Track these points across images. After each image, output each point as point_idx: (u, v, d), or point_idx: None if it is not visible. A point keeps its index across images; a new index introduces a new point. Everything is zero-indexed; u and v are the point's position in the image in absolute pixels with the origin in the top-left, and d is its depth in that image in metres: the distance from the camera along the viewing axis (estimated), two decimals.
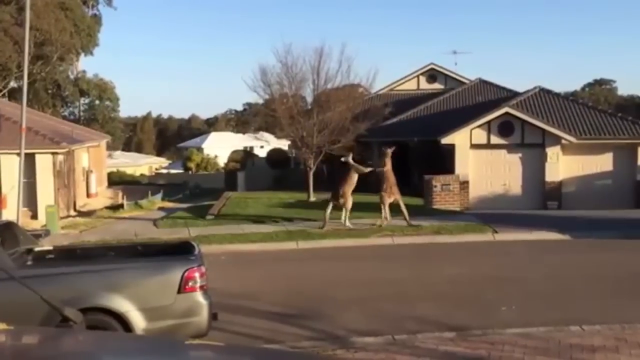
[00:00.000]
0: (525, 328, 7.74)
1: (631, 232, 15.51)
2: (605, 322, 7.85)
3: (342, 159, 17.22)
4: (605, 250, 13.60)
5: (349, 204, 16.72)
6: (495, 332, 7.65)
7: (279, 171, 35.68)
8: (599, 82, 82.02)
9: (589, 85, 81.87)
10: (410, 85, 34.91)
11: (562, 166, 22.98)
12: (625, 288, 10.14)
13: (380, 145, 27.91)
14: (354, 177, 16.80)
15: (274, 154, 39.37)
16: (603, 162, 23.15)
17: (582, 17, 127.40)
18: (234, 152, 49.24)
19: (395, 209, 16.93)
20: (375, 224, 16.75)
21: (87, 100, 52.88)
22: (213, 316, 6.98)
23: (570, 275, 11.29)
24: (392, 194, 16.87)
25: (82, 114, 52.55)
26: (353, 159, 17.27)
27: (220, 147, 64.53)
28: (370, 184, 18.03)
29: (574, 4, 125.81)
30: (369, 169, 17.29)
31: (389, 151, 17.25)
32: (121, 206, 24.51)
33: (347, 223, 16.76)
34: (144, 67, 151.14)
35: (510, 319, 8.42)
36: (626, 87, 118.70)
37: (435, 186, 21.66)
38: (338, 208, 16.88)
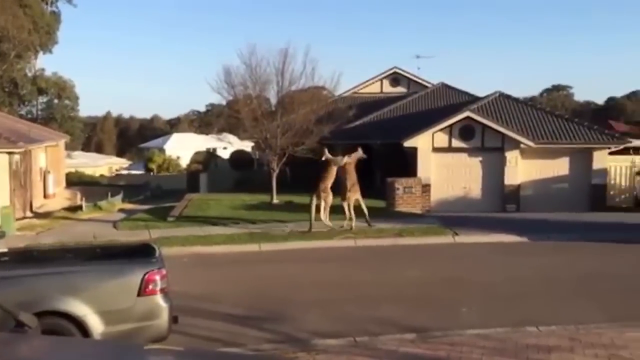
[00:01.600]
0: (484, 329, 7.88)
1: (586, 234, 15.91)
2: (560, 323, 8.05)
3: (323, 158, 17.19)
4: (562, 253, 13.92)
5: (330, 199, 16.71)
6: (455, 334, 7.76)
7: (242, 173, 35.50)
8: (557, 88, 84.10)
9: (547, 90, 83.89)
10: (374, 89, 35.17)
11: (520, 170, 23.44)
12: (580, 289, 10.41)
13: (344, 148, 28.16)
14: (333, 171, 16.83)
15: (237, 155, 39.15)
16: (560, 166, 23.68)
17: (541, 24, 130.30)
18: (197, 153, 48.79)
19: (355, 209, 16.98)
20: (343, 226, 16.77)
21: (45, 99, 51.76)
22: (174, 319, 6.91)
23: (528, 276, 11.53)
24: (355, 193, 16.92)
25: (40, 112, 51.40)
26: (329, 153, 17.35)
27: (182, 148, 63.83)
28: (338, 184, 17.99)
29: (534, 11, 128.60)
30: (345, 159, 17.17)
31: (360, 152, 17.42)
32: (80, 207, 24.02)
33: (327, 221, 16.69)
34: (105, 66, 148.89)
35: (469, 320, 8.55)
36: (582, 94, 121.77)
37: (398, 189, 21.86)
38: (317, 207, 16.75)
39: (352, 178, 16.93)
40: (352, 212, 16.81)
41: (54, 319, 6.34)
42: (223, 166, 39.54)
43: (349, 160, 17.04)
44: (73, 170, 44.37)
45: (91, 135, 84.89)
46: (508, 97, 26.91)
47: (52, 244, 14.99)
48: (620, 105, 76.29)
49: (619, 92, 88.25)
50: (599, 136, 23.76)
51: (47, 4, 47.86)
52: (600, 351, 6.81)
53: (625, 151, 24.71)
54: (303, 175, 25.00)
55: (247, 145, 41.97)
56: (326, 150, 17.43)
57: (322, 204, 16.69)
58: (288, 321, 8.70)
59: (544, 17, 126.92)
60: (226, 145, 40.52)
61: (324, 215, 16.73)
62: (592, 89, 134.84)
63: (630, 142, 25.26)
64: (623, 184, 24.48)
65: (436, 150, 23.67)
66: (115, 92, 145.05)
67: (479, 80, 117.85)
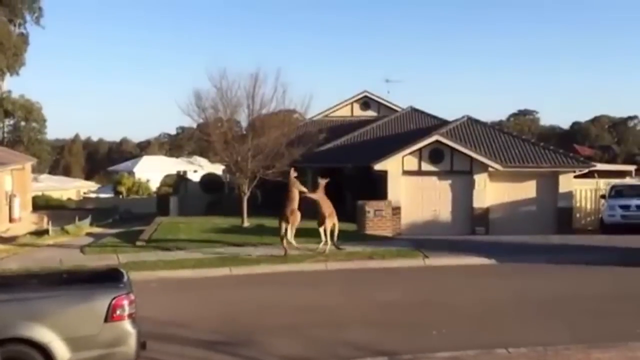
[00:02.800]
0: (455, 352, 7.91)
1: (553, 257, 16.15)
2: (529, 345, 8.12)
3: (291, 173, 17.36)
4: (530, 275, 14.10)
5: (297, 219, 16.83)
6: (425, 356, 7.79)
7: (212, 196, 35.29)
8: (523, 113, 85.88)
9: (514, 115, 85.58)
10: (345, 112, 35.48)
11: (489, 193, 23.76)
12: (548, 311, 10.54)
13: (315, 171, 28.20)
14: (296, 194, 16.95)
15: (208, 178, 38.96)
16: (527, 189, 24.08)
17: (507, 49, 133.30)
18: (167, 176, 48.44)
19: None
20: (317, 249, 16.84)
21: (11, 122, 51.07)
22: (142, 345, 6.80)
23: (497, 299, 11.63)
24: (332, 219, 17.10)
25: (6, 135, 50.65)
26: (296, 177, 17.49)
27: (152, 171, 63.27)
28: (308, 210, 18.16)
29: (499, 36, 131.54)
30: (305, 190, 17.42)
31: (323, 182, 17.63)
32: (46, 232, 23.57)
33: (293, 241, 16.78)
34: (74, 88, 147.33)
35: (440, 343, 8.58)
36: (548, 118, 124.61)
37: (368, 212, 21.92)
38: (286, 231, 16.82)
39: (329, 206, 17.17)
40: (328, 237, 16.95)
41: (18, 346, 6.20)
42: (193, 189, 39.29)
43: (317, 197, 17.20)
44: (40, 193, 43.61)
45: (59, 158, 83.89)
46: (476, 121, 27.38)
47: (17, 269, 14.64)
48: (585, 130, 78.20)
49: (584, 117, 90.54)
50: (565, 160, 24.27)
51: (14, 25, 47.37)
52: None
53: (590, 174, 25.29)
54: (274, 199, 24.90)
55: (217, 169, 41.82)
56: (292, 172, 17.54)
57: (289, 226, 16.77)
58: (258, 346, 8.63)
59: (510, 43, 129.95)
60: (197, 169, 40.45)
61: (290, 234, 16.84)
62: (558, 114, 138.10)
63: (595, 165, 25.88)
64: (588, 206, 24.99)
65: (406, 173, 23.88)
66: (83, 115, 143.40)
67: (447, 104, 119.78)
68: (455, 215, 23.76)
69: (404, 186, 23.76)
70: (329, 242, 16.93)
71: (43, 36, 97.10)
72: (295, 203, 16.91)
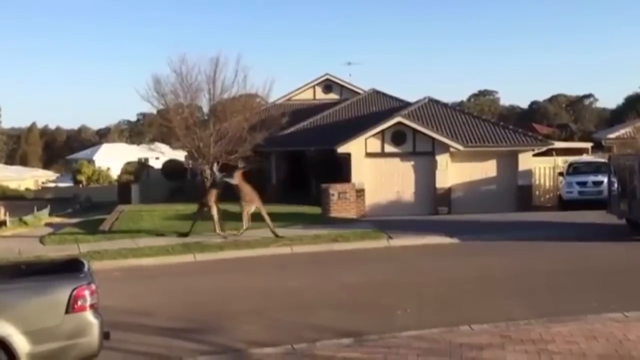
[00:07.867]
0: (419, 330, 8.01)
1: (513, 234, 16.50)
2: (492, 321, 8.28)
3: (235, 182, 17.38)
4: (491, 252, 14.37)
5: (214, 211, 17.38)
6: (391, 336, 7.85)
7: (175, 183, 34.93)
8: (483, 93, 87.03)
9: (474, 95, 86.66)
10: (307, 95, 35.40)
11: (451, 173, 24.05)
12: (510, 287, 10.76)
13: (279, 155, 28.14)
14: (212, 190, 17.80)
15: (170, 165, 38.47)
16: (488, 169, 24.47)
17: (466, 30, 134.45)
18: (128, 163, 47.76)
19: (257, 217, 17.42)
20: (239, 233, 17.03)
21: None
22: (105, 335, 6.70)
23: (459, 277, 11.82)
24: (249, 203, 17.23)
25: None
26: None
27: (113, 158, 62.36)
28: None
29: (459, 17, 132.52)
30: (233, 182, 17.45)
31: (240, 167, 18.16)
32: (3, 223, 23.05)
33: (219, 230, 17.15)
34: (29, 75, 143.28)
35: (405, 322, 8.68)
36: (507, 98, 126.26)
37: (333, 195, 21.99)
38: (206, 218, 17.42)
39: (249, 192, 17.32)
40: (244, 220, 17.15)
41: None
42: (155, 176, 38.82)
43: (236, 182, 17.34)
44: None
45: (15, 147, 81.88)
46: (437, 102, 27.62)
47: None
48: (543, 109, 79.64)
49: (542, 96, 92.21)
50: (524, 139, 24.71)
51: None
52: (529, 347, 7.04)
53: (548, 152, 25.83)
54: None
55: (179, 155, 41.34)
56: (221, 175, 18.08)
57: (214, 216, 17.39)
58: (224, 332, 8.60)
59: (470, 23, 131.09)
60: (158, 155, 39.84)
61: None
62: (517, 94, 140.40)
63: (553, 144, 26.43)
64: (547, 184, 25.55)
65: (369, 155, 23.99)
66: (40, 102, 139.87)
67: (409, 86, 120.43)
68: (418, 195, 24.02)
69: (367, 168, 23.86)
70: (245, 226, 17.09)
71: None
72: (212, 196, 17.57)
